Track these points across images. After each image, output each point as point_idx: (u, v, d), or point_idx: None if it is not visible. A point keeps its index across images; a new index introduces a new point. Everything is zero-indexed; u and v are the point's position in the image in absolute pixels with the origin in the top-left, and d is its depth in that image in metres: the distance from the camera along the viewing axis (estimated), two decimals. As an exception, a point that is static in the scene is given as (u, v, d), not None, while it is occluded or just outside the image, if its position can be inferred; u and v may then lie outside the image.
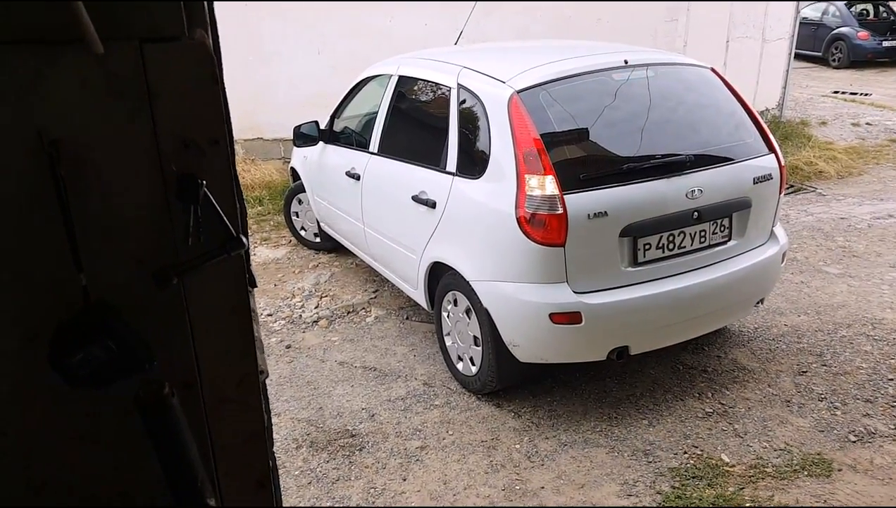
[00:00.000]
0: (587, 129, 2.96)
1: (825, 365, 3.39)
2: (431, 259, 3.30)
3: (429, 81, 3.63)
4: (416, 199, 3.34)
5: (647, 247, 2.84)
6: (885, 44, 14.25)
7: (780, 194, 3.19)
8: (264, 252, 5.24)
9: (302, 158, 4.86)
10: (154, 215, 0.86)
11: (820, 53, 14.83)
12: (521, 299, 2.80)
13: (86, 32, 0.72)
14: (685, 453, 2.79)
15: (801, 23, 9.13)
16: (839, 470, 2.64)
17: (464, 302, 3.15)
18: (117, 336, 0.84)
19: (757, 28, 8.11)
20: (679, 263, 2.92)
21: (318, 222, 4.92)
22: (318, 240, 5.13)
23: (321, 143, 4.45)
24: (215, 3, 0.96)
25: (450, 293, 3.27)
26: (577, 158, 2.93)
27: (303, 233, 5.22)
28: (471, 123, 3.14)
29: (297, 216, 5.20)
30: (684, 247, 2.92)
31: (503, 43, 4.83)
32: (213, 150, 0.87)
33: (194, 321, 0.92)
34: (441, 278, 3.32)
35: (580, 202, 2.69)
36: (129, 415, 0.85)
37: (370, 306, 4.28)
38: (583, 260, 2.75)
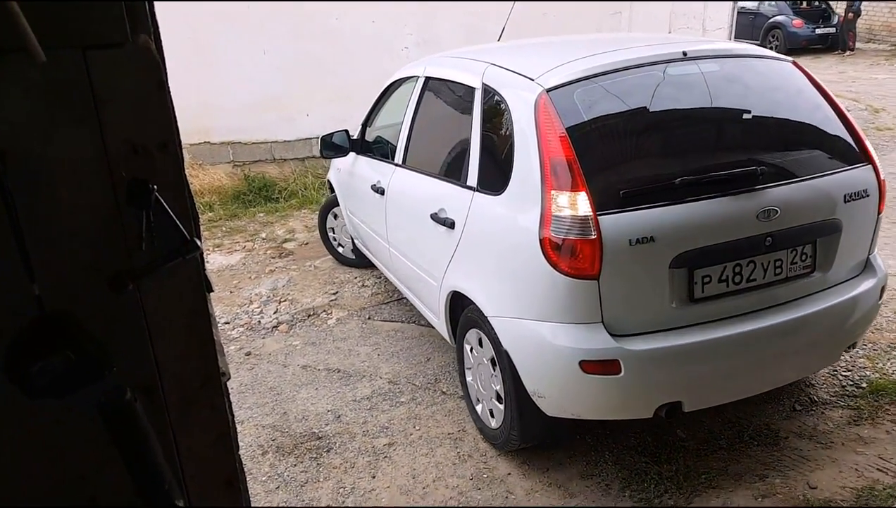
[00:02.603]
0: (632, 135, 2.48)
1: (772, 340, 3.56)
2: (450, 288, 2.88)
3: (453, 82, 3.16)
4: (434, 217, 2.91)
5: (706, 280, 2.32)
6: (818, 31, 14.96)
7: (878, 214, 2.61)
8: (218, 259, 5.16)
9: (336, 169, 4.54)
10: (106, 221, 0.87)
11: (758, 42, 15.40)
12: (546, 341, 2.33)
13: (26, 41, 0.72)
14: (644, 432, 2.88)
15: (739, 12, 9.46)
16: (786, 438, 2.78)
17: (487, 343, 2.72)
18: (75, 344, 0.84)
19: (697, 19, 8.39)
20: (747, 300, 2.39)
21: (352, 239, 4.61)
22: (341, 253, 4.91)
23: (352, 154, 4.09)
24: (156, 6, 0.96)
25: (472, 332, 2.84)
26: (618, 171, 2.42)
27: (332, 240, 4.95)
28: (495, 128, 2.71)
29: (335, 218, 4.92)
30: (754, 280, 2.38)
31: (548, 38, 4.15)
32: (162, 154, 0.88)
33: (152, 325, 0.93)
34: (464, 309, 2.87)
35: (620, 225, 2.21)
36: (93, 421, 0.85)
37: (331, 308, 4.27)
38: (623, 296, 2.27)
